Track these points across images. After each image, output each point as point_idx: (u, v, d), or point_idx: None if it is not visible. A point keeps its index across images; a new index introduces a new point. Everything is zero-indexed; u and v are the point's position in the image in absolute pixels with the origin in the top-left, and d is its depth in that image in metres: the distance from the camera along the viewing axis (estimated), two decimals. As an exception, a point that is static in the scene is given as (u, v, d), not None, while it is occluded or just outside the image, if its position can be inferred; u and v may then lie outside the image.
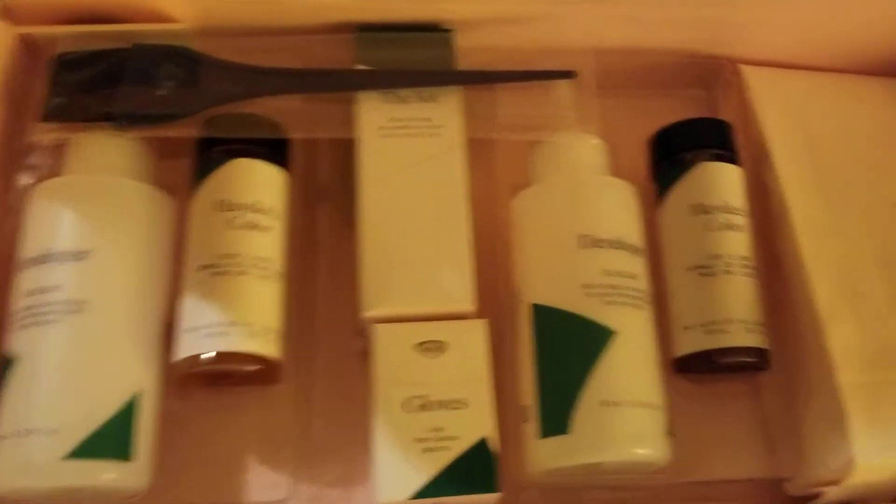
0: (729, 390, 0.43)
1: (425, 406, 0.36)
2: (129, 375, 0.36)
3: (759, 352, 0.40)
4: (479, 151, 0.45)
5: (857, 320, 0.40)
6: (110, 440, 0.35)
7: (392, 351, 0.37)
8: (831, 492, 0.39)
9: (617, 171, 0.44)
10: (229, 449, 0.40)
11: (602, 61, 0.45)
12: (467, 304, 0.38)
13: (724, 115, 0.48)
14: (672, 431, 0.39)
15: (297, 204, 0.43)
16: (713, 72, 0.49)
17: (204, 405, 0.40)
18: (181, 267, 0.39)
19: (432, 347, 0.37)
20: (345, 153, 0.43)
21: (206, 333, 0.37)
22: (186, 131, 0.41)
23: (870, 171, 0.45)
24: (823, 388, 0.39)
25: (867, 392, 0.38)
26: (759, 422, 0.43)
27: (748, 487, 0.42)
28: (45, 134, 0.40)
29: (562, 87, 0.44)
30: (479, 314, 0.39)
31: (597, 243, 0.39)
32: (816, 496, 0.40)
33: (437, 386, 0.37)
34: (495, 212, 0.44)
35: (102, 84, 0.40)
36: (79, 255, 0.36)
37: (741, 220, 0.42)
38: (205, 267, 0.38)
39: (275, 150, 0.41)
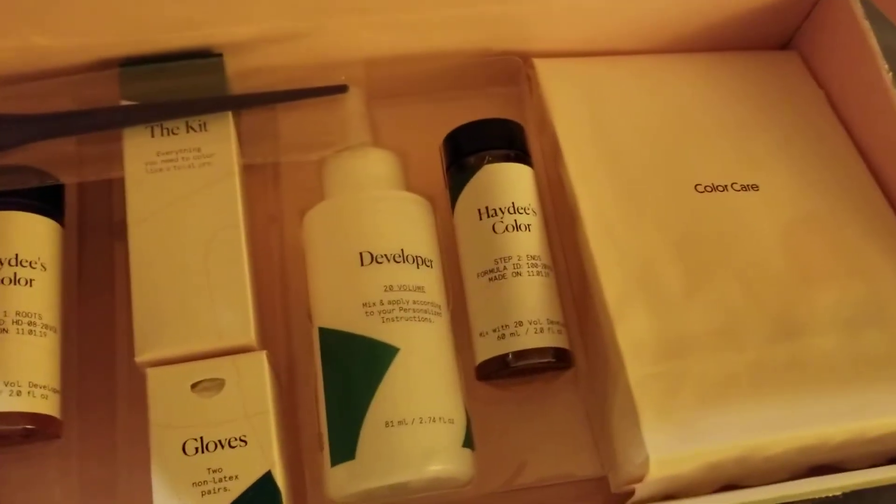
0: (546, 390, 0.42)
1: (202, 448, 0.35)
2: None
3: (554, 351, 0.39)
4: (266, 175, 0.44)
5: (649, 311, 0.39)
6: None
7: (166, 394, 0.36)
8: (641, 488, 0.38)
9: (420, 180, 0.43)
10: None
11: (394, 70, 0.45)
12: (246, 336, 0.37)
13: (528, 110, 0.48)
14: (471, 442, 0.38)
15: (87, 250, 0.42)
16: (516, 68, 0.48)
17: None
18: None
19: (209, 386, 0.36)
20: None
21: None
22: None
23: (667, 153, 0.44)
24: (619, 382, 0.38)
25: (659, 383, 0.37)
26: (579, 420, 0.42)
27: (577, 488, 0.41)
28: None
29: (343, 101, 0.43)
30: (265, 345, 0.38)
31: (376, 259, 0.38)
32: (631, 493, 0.39)
33: (214, 426, 0.36)
34: (285, 235, 0.43)
35: None
36: None
37: (530, 219, 0.41)
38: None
39: (41, 199, 0.40)
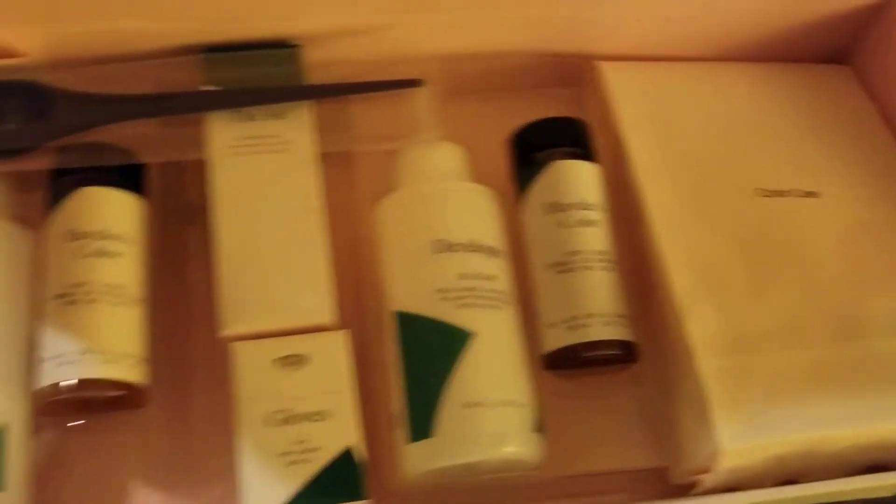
0: (608, 383, 0.44)
1: (288, 420, 0.36)
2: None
3: (622, 344, 0.41)
4: (339, 164, 0.45)
5: (717, 306, 0.40)
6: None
7: (252, 367, 0.37)
8: (707, 479, 0.39)
9: (484, 175, 0.44)
10: (105, 473, 0.40)
11: (463, 67, 0.46)
12: (326, 316, 0.38)
13: (589, 112, 0.49)
14: (542, 428, 0.39)
15: (163, 228, 0.43)
16: (577, 70, 0.50)
17: (78, 432, 0.40)
18: (40, 298, 0.39)
19: (293, 361, 0.37)
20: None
21: (60, 362, 0.36)
22: (36, 164, 0.40)
23: (729, 157, 0.45)
24: (687, 375, 0.39)
25: (729, 376, 0.38)
26: (641, 412, 0.43)
27: (633, 478, 0.42)
28: None
29: (414, 96, 0.44)
30: (342, 325, 0.39)
31: (451, 247, 0.40)
32: (695, 484, 0.40)
33: (298, 399, 0.37)
34: (357, 223, 0.44)
35: (-52, 122, 0.40)
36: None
37: (597, 215, 0.43)
38: (58, 297, 0.38)
39: (126, 177, 0.41)
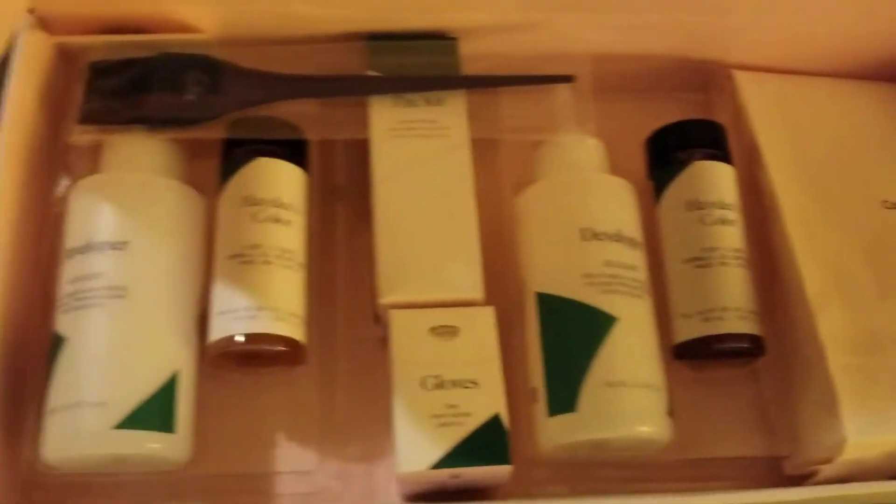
0: (729, 376, 0.46)
1: (440, 385, 0.39)
2: (169, 355, 0.39)
3: (753, 338, 0.43)
4: (484, 152, 0.47)
5: (846, 307, 0.42)
6: (154, 413, 0.38)
7: (408, 334, 0.40)
8: (825, 470, 0.41)
9: (617, 170, 0.46)
10: (260, 425, 0.43)
11: (602, 67, 0.48)
12: (477, 292, 0.41)
13: (719, 116, 0.51)
14: (672, 412, 0.41)
15: (316, 201, 0.46)
16: (709, 76, 0.52)
17: (236, 385, 0.43)
18: (211, 257, 0.42)
19: (445, 331, 0.40)
20: (358, 154, 0.46)
21: (236, 317, 0.39)
22: (212, 133, 0.44)
23: (857, 169, 0.47)
24: (816, 371, 0.41)
25: (856, 374, 0.41)
26: (758, 404, 0.45)
27: (748, 465, 0.44)
28: (81, 136, 0.43)
29: (561, 91, 0.47)
30: (486, 302, 0.41)
31: (597, 236, 0.42)
32: (812, 474, 0.42)
33: (450, 366, 0.39)
34: (500, 208, 0.47)
35: (134, 90, 0.43)
36: (118, 246, 0.39)
37: (734, 215, 0.45)
38: (233, 256, 0.41)
39: (294, 151, 0.44)
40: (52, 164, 0.45)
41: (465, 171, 0.43)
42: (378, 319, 0.42)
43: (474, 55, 0.47)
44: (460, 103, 0.45)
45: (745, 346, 0.42)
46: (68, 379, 0.38)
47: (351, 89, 0.45)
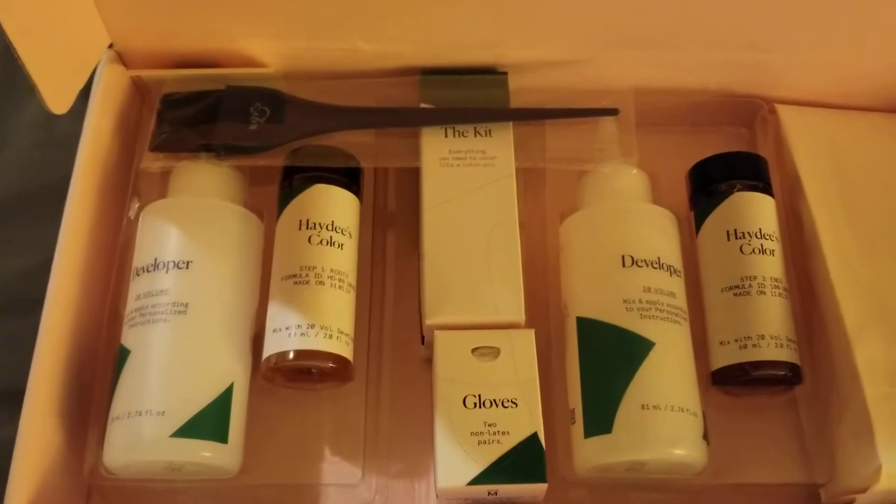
0: (767, 404, 0.47)
1: (480, 403, 0.41)
2: (224, 369, 0.42)
3: (790, 366, 0.43)
4: (531, 181, 0.49)
5: (884, 338, 0.43)
6: (209, 423, 0.40)
7: (451, 354, 0.42)
8: (861, 499, 0.42)
9: (660, 200, 0.48)
10: (307, 438, 0.45)
11: (647, 101, 0.50)
12: (518, 315, 0.43)
13: (762, 150, 0.52)
14: (708, 437, 0.42)
15: (368, 227, 0.48)
16: (752, 110, 0.53)
17: (287, 400, 0.45)
18: (268, 277, 0.44)
19: (487, 352, 0.42)
20: (409, 182, 0.49)
21: (289, 334, 0.42)
22: (274, 161, 0.46)
23: (896, 201, 0.48)
24: (853, 401, 0.42)
25: (892, 404, 0.41)
26: (796, 432, 0.46)
27: (785, 492, 0.45)
28: (153, 162, 0.46)
29: (605, 123, 0.49)
30: (528, 325, 0.43)
31: (637, 263, 0.43)
32: (849, 503, 0.43)
33: (490, 386, 0.41)
34: (544, 235, 0.49)
35: (202, 120, 0.46)
36: (182, 265, 0.42)
37: (773, 245, 0.46)
38: (288, 277, 0.43)
39: (349, 178, 0.46)
40: (125, 188, 0.48)
41: (510, 199, 0.45)
42: (425, 341, 0.44)
43: (523, 89, 0.49)
44: (508, 134, 0.47)
45: (782, 373, 0.43)
46: (131, 389, 0.40)
47: (404, 120, 0.48)
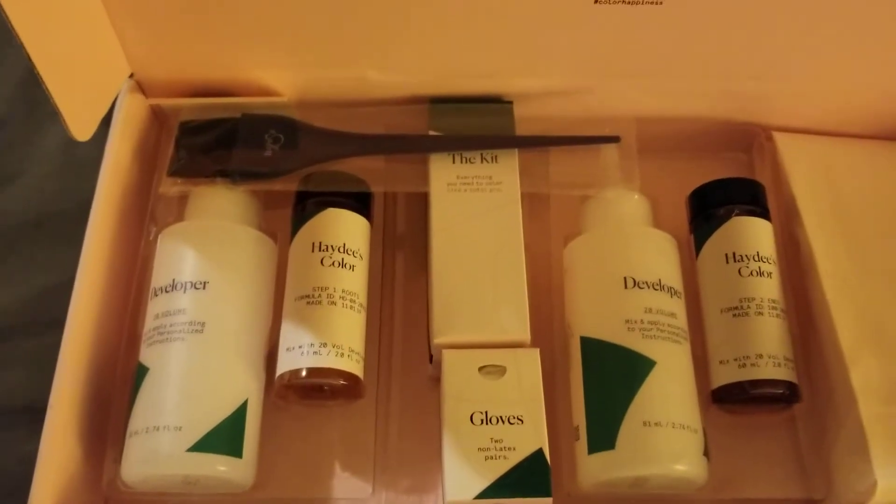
0: (765, 421, 0.48)
1: (486, 420, 0.42)
2: (239, 385, 0.43)
3: (787, 384, 0.45)
4: (535, 205, 0.51)
5: (878, 358, 0.44)
6: (225, 438, 0.42)
7: (459, 372, 0.43)
8: (858, 514, 0.43)
9: (661, 224, 0.49)
10: (319, 454, 0.46)
11: (648, 128, 0.51)
12: (524, 334, 0.44)
13: (760, 176, 0.53)
14: (708, 453, 0.43)
15: (378, 249, 0.50)
16: (750, 137, 0.55)
17: (299, 416, 0.47)
18: (281, 298, 0.46)
19: (493, 371, 0.43)
20: (418, 206, 0.50)
21: (302, 352, 0.43)
22: (287, 186, 0.48)
23: (892, 227, 0.49)
24: (849, 419, 0.43)
25: (888, 422, 0.42)
26: (794, 449, 0.47)
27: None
28: (171, 187, 0.48)
29: (607, 150, 0.50)
30: (533, 344, 0.44)
31: (638, 284, 0.45)
32: (845, 519, 0.44)
33: (497, 403, 0.42)
34: (548, 257, 0.50)
35: (218, 146, 0.48)
36: (198, 285, 0.44)
37: (771, 267, 0.47)
38: (301, 297, 0.45)
39: (360, 202, 0.48)
40: (143, 212, 0.50)
41: (516, 223, 0.47)
42: (433, 360, 0.45)
43: (528, 117, 0.51)
44: (513, 161, 0.49)
45: (780, 391, 0.44)
46: (148, 405, 0.42)
47: (413, 147, 0.49)
